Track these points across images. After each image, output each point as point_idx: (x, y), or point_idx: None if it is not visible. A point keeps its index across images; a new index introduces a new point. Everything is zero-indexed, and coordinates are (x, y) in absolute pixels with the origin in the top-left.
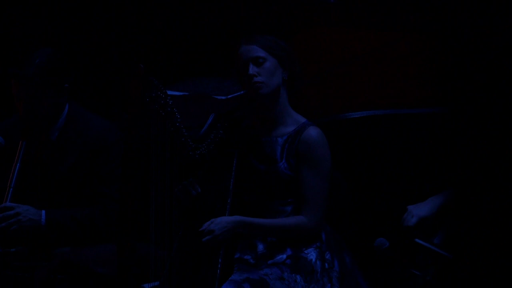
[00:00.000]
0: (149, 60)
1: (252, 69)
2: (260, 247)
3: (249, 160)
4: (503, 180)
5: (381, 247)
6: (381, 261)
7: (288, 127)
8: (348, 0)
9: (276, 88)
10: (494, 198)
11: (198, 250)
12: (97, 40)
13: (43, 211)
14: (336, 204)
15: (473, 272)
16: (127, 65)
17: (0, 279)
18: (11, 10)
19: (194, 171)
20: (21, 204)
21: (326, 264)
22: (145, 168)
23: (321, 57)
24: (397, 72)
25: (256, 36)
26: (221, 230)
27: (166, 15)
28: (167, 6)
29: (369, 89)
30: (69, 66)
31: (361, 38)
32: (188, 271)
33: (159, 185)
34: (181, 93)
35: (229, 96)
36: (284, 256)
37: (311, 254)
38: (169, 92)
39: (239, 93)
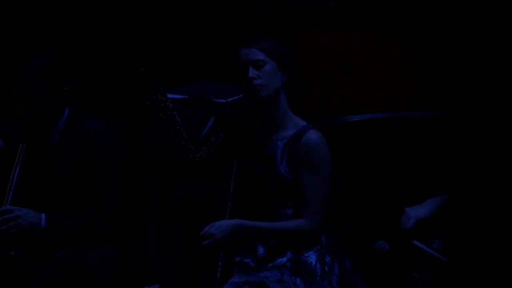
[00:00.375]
0: (149, 63)
1: (252, 72)
2: (261, 250)
3: (249, 164)
4: (502, 182)
5: (381, 250)
6: (381, 264)
7: (288, 130)
8: (348, 3)
9: (275, 91)
10: (493, 200)
11: (198, 253)
12: (97, 43)
13: (43, 214)
14: (336, 207)
15: (472, 274)
16: (127, 68)
17: (0, 282)
18: (11, 12)
19: (194, 174)
20: (21, 207)
21: (326, 267)
22: (146, 171)
23: (320, 60)
24: (396, 75)
25: (255, 39)
26: (221, 234)
27: (166, 18)
28: (167, 9)
29: (368, 92)
30: (69, 69)
31: (360, 41)
32: (188, 274)
33: (159, 188)
34: (181, 96)
35: (229, 100)
36: (285, 259)
37: (311, 257)
38: (169, 95)
39: (239, 96)
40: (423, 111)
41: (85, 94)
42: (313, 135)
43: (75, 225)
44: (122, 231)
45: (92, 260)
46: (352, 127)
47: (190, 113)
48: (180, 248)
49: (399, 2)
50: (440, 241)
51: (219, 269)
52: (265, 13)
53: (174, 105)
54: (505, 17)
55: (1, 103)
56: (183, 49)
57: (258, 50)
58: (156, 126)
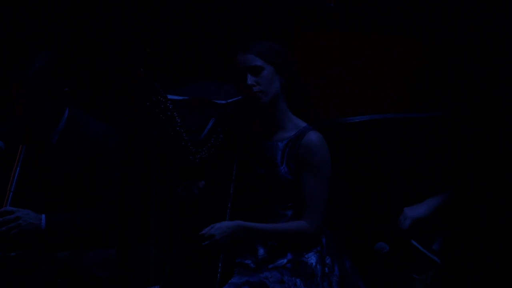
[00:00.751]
0: (149, 63)
1: (250, 80)
2: (261, 251)
3: (249, 165)
4: (502, 182)
5: (381, 251)
6: (381, 265)
7: (288, 131)
8: (348, 3)
9: (275, 95)
10: (493, 200)
11: (198, 254)
12: (97, 43)
13: (43, 215)
14: (336, 208)
15: (472, 274)
16: (127, 68)
17: (1, 283)
18: (11, 12)
19: (194, 175)
20: (21, 208)
21: (326, 269)
22: (146, 172)
23: (320, 60)
24: (396, 75)
25: (251, 43)
26: (221, 235)
27: (166, 18)
28: (167, 9)
29: (368, 92)
30: (69, 70)
31: (360, 41)
32: (188, 275)
33: (159, 189)
34: (182, 97)
35: (229, 101)
36: (285, 260)
37: (312, 258)
38: (169, 97)
39: (239, 97)
40: (423, 111)
41: (85, 94)
42: (313, 136)
43: (75, 225)
44: (122, 231)
45: (92, 261)
46: (352, 127)
47: (190, 114)
48: (180, 249)
49: (399, 2)
50: (440, 243)
51: (219, 270)
52: (265, 13)
53: (174, 106)
54: (505, 17)
55: (1, 103)
56: (183, 49)
57: (255, 55)
58: (156, 127)
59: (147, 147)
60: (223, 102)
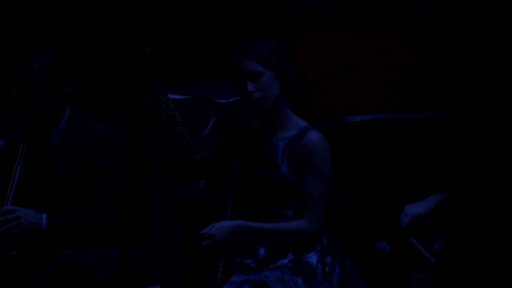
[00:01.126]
0: (149, 63)
1: (251, 86)
2: (262, 251)
3: (250, 164)
4: (503, 182)
5: (381, 251)
6: (381, 265)
7: (289, 131)
8: (348, 3)
9: (276, 98)
10: (494, 200)
11: (199, 254)
12: (97, 43)
13: (44, 214)
14: (336, 208)
15: (471, 275)
16: (127, 68)
17: (1, 283)
18: (11, 12)
19: (195, 174)
20: (22, 207)
21: (327, 268)
22: (146, 172)
23: (320, 60)
24: (396, 75)
25: (249, 47)
26: (221, 235)
27: (166, 18)
28: (167, 9)
29: (369, 92)
30: (69, 70)
31: (360, 41)
32: (188, 275)
33: (160, 189)
34: (182, 97)
35: (230, 100)
36: (286, 260)
37: (312, 258)
38: (170, 96)
39: (239, 97)
40: (423, 111)
41: (85, 94)
42: (314, 135)
43: (75, 225)
44: (122, 231)
45: (92, 261)
46: (352, 127)
47: (191, 114)
48: (180, 249)
49: (399, 2)
50: (441, 243)
51: (220, 269)
52: (265, 13)
53: (175, 105)
54: (505, 17)
55: (1, 103)
56: (183, 49)
57: (254, 61)
58: (157, 127)
59: (147, 147)
60: (224, 101)
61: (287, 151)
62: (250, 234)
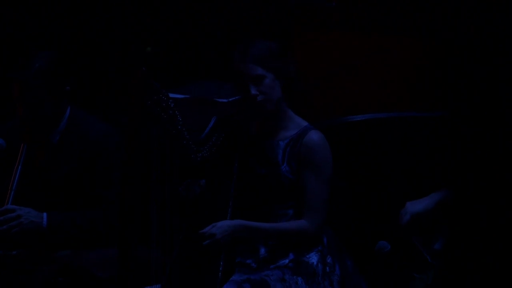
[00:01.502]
0: (149, 64)
1: (254, 90)
2: (262, 251)
3: (250, 164)
4: (502, 182)
5: (382, 250)
6: (382, 265)
7: (289, 130)
8: (348, 3)
9: (278, 99)
10: (494, 200)
11: (199, 253)
12: (97, 43)
13: (45, 214)
14: (336, 208)
15: (471, 275)
16: (127, 68)
17: (1, 282)
18: (11, 12)
19: (195, 174)
20: (23, 206)
21: (328, 268)
22: (146, 171)
23: (320, 60)
24: (396, 75)
25: (249, 49)
26: (222, 234)
27: (166, 18)
28: (167, 9)
29: (369, 92)
30: (69, 70)
31: (360, 41)
32: (189, 274)
33: (160, 189)
34: (183, 96)
35: (230, 99)
36: (287, 261)
37: (313, 258)
38: (170, 95)
39: (240, 96)
40: (423, 111)
41: (85, 94)
42: (314, 135)
43: (76, 225)
44: (122, 231)
45: (92, 260)
46: (353, 127)
47: (191, 113)
48: (181, 248)
49: (399, 2)
50: (441, 243)
51: (220, 269)
52: (265, 13)
53: (175, 105)
54: (505, 17)
55: (1, 103)
56: (183, 49)
57: (255, 64)
58: (157, 126)
59: (147, 147)
60: (225, 101)
61: (288, 150)
62: (250, 233)
